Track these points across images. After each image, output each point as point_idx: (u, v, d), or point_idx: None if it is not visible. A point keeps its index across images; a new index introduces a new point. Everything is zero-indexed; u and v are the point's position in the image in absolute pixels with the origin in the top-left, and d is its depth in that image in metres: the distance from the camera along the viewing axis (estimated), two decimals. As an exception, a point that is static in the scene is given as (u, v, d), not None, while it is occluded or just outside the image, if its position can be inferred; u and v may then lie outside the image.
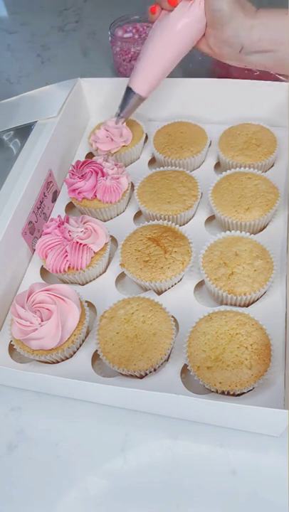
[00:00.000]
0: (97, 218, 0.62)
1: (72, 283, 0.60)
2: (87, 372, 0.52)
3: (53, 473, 0.47)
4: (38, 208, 0.65)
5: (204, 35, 0.58)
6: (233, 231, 0.58)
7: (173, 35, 0.58)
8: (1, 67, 1.03)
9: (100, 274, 0.61)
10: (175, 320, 0.54)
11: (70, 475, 0.47)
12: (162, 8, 0.58)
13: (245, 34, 0.54)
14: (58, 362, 0.53)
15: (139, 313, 0.52)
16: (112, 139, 0.71)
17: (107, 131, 0.71)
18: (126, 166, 0.74)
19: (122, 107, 0.66)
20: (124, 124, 0.71)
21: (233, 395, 0.47)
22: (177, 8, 0.56)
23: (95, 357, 0.53)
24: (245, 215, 0.59)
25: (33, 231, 0.63)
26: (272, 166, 0.69)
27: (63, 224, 0.59)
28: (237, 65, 0.59)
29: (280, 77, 0.72)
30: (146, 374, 0.50)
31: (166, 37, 0.58)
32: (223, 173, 0.65)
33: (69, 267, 0.57)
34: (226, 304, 0.55)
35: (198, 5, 0.55)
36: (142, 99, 0.64)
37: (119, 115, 0.68)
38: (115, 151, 0.71)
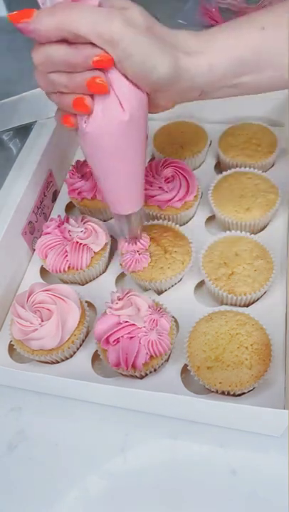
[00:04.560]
0: (97, 218, 0.62)
1: (72, 283, 0.60)
2: (87, 372, 0.52)
3: (53, 473, 0.47)
4: (38, 208, 0.65)
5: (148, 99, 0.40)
6: (233, 231, 0.58)
7: (126, 131, 0.39)
8: (1, 67, 1.03)
9: (100, 274, 0.61)
10: (175, 320, 0.54)
11: (70, 475, 0.47)
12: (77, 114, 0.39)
13: (203, 79, 0.39)
14: (58, 362, 0.53)
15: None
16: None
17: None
18: (126, 166, 0.74)
19: (126, 231, 0.51)
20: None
21: (234, 395, 0.47)
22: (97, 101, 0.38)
23: (95, 357, 0.53)
24: (245, 215, 0.59)
25: (33, 231, 0.63)
26: (273, 165, 0.69)
27: (63, 224, 0.59)
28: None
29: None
30: (146, 374, 0.50)
31: (124, 139, 0.39)
32: (223, 173, 0.65)
33: (69, 267, 0.57)
34: (226, 304, 0.55)
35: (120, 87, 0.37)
36: (140, 210, 0.49)
37: (128, 240, 0.53)
38: (115, 151, 0.71)
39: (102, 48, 0.34)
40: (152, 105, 0.41)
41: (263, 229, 0.62)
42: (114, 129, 0.38)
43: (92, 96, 0.37)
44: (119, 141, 0.39)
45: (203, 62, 0.38)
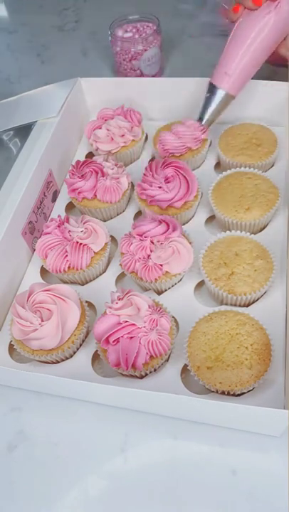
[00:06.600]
0: (97, 218, 0.62)
1: (72, 283, 0.60)
2: (87, 372, 0.52)
3: (53, 473, 0.47)
4: (38, 208, 0.65)
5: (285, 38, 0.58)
6: (233, 231, 0.58)
7: (260, 34, 0.57)
8: (1, 67, 1.03)
9: (100, 274, 0.61)
10: (175, 320, 0.54)
11: (70, 475, 0.47)
12: (245, 8, 0.57)
13: None
14: (58, 362, 0.53)
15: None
16: (112, 139, 0.71)
17: (108, 130, 0.71)
18: (126, 166, 0.74)
19: (208, 109, 0.63)
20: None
21: (234, 395, 0.47)
22: (262, 7, 0.56)
23: (95, 357, 0.53)
24: (245, 215, 0.59)
25: (33, 231, 0.63)
26: (273, 165, 0.69)
27: (63, 224, 0.59)
28: None
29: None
30: (146, 374, 0.50)
31: (254, 36, 0.57)
32: (223, 173, 0.65)
33: (69, 267, 0.57)
34: (226, 304, 0.55)
35: (284, 6, 0.55)
36: (231, 98, 0.62)
37: (202, 119, 0.64)
38: (115, 151, 0.71)
39: None
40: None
41: (263, 229, 0.62)
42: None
43: None
44: (277, 32, 0.57)
45: None
